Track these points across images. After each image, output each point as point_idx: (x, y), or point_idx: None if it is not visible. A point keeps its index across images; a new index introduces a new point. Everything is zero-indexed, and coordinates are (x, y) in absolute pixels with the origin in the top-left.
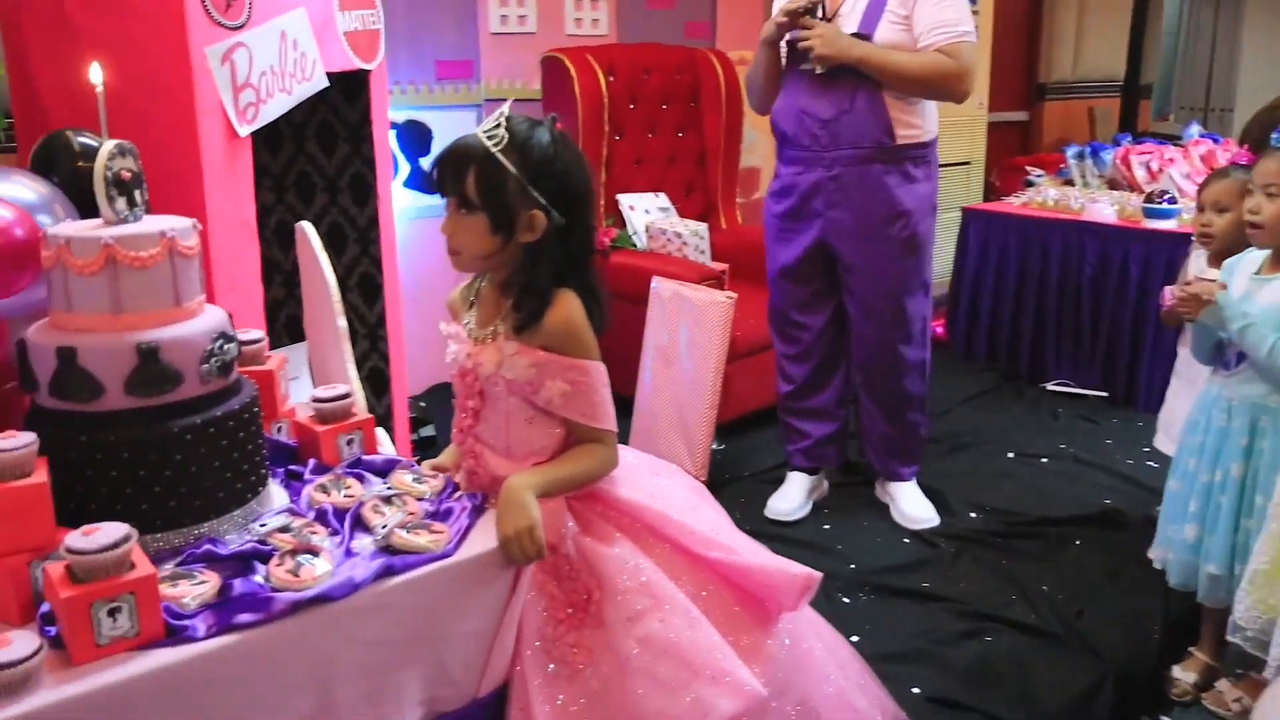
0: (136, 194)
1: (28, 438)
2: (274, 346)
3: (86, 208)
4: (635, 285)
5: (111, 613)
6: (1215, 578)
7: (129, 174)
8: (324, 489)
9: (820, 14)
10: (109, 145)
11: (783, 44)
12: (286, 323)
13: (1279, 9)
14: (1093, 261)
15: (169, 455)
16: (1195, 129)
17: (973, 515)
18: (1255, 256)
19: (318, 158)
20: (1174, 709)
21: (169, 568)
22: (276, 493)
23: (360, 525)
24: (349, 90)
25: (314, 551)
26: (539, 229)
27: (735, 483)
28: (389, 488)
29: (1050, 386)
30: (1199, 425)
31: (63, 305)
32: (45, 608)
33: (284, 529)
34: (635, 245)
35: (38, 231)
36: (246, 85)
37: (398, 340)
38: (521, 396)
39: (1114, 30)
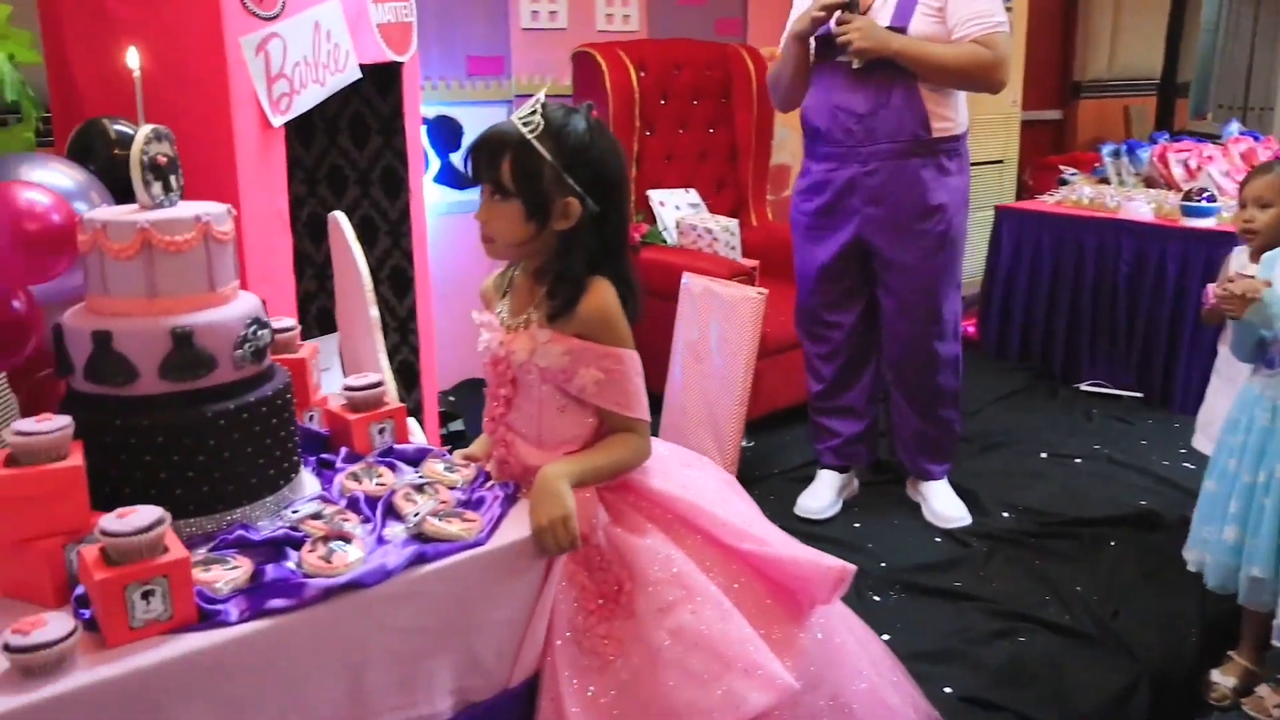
0: (172, 179)
1: (63, 421)
2: (305, 339)
3: (122, 195)
4: (666, 281)
5: (145, 595)
6: (1259, 580)
7: (165, 159)
8: (356, 477)
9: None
10: (145, 130)
11: (812, 39)
12: (318, 315)
13: None
14: (1129, 260)
15: (202, 440)
16: (1235, 126)
17: (1005, 515)
18: None
19: (350, 150)
20: (1212, 713)
21: (201, 552)
22: (308, 480)
23: (392, 513)
24: (381, 83)
25: (346, 538)
26: (574, 216)
27: (765, 480)
28: (421, 476)
29: (1084, 387)
30: (1239, 425)
31: (99, 289)
32: (80, 590)
33: (316, 515)
34: (665, 241)
35: (74, 217)
36: (280, 76)
37: (428, 334)
38: (554, 384)
39: (1150, 28)
